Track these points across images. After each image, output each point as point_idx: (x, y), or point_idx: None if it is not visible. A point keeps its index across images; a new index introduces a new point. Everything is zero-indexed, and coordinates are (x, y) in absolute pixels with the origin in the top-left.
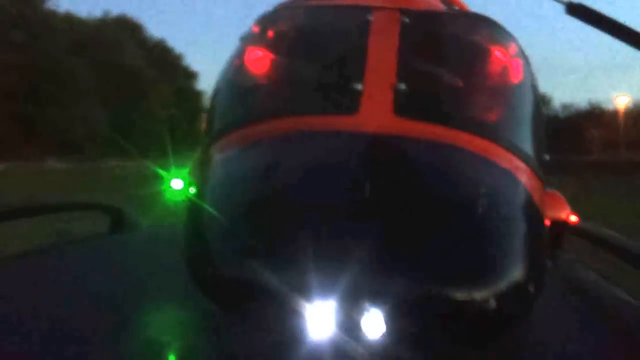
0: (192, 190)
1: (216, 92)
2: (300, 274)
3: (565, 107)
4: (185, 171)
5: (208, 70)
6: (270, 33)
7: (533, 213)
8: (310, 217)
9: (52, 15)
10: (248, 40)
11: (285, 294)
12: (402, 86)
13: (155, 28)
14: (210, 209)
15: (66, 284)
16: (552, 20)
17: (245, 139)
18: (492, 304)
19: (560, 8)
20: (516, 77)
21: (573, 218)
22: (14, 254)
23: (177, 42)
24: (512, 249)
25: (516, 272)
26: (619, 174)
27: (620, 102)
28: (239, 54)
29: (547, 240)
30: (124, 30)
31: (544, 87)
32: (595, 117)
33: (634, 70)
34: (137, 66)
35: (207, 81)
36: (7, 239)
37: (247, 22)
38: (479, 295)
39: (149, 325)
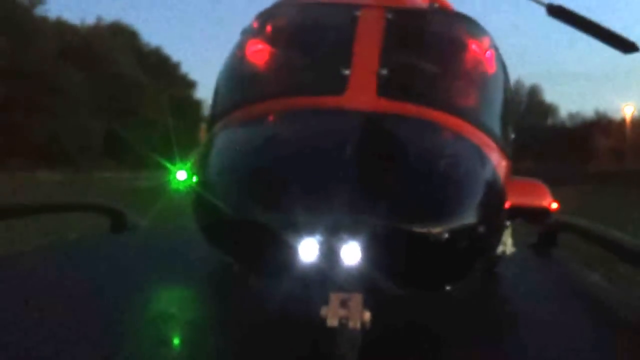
0: (201, 162)
1: (220, 78)
2: (294, 219)
3: (571, 116)
4: (187, 164)
5: (207, 79)
6: (268, 27)
7: (492, 177)
8: (305, 173)
9: (42, 21)
10: (249, 32)
11: (283, 233)
12: (384, 72)
13: (151, 35)
14: (219, 173)
15: (71, 281)
16: (557, 28)
17: (250, 115)
18: (443, 242)
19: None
20: (487, 66)
21: (554, 205)
22: (18, 252)
23: (175, 51)
24: (470, 201)
25: (471, 218)
26: (627, 185)
27: (628, 111)
28: (241, 45)
29: (504, 203)
30: (118, 36)
31: (550, 96)
32: (602, 126)
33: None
34: (131, 74)
35: (207, 91)
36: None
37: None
38: (434, 233)
39: (151, 319)
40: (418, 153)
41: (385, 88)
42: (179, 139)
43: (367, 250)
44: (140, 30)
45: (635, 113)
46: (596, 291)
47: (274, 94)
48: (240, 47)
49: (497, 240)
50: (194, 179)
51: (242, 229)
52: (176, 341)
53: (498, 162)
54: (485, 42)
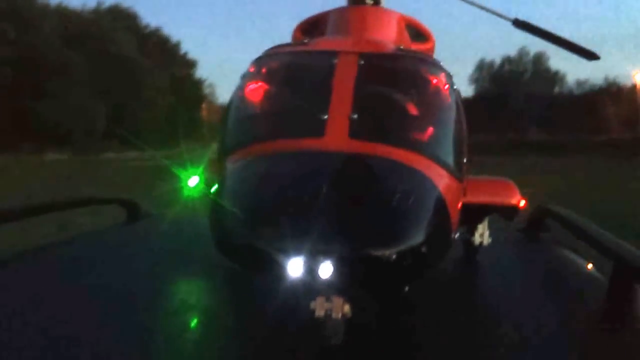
0: (209, 188)
1: (225, 118)
2: (285, 238)
3: (579, 83)
4: (198, 170)
5: (207, 58)
6: (262, 74)
7: (439, 203)
8: (293, 203)
9: (44, 7)
10: (246, 78)
11: (276, 250)
12: (355, 116)
13: (151, 15)
14: (228, 202)
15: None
16: None
17: (250, 154)
18: (409, 255)
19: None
20: (443, 103)
21: (522, 203)
22: (38, 246)
23: (174, 30)
24: (426, 219)
25: (427, 234)
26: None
27: (639, 77)
28: (240, 89)
29: (453, 220)
30: (118, 19)
31: (557, 63)
32: (612, 93)
33: None
34: (133, 56)
35: (207, 69)
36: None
37: (247, 8)
38: (392, 251)
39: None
40: (379, 188)
41: (355, 131)
42: (180, 118)
43: (347, 262)
44: (140, 11)
45: None
46: (558, 264)
47: (270, 136)
48: (240, 91)
49: (446, 250)
50: (211, 207)
51: (248, 246)
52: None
53: (447, 189)
54: (443, 80)
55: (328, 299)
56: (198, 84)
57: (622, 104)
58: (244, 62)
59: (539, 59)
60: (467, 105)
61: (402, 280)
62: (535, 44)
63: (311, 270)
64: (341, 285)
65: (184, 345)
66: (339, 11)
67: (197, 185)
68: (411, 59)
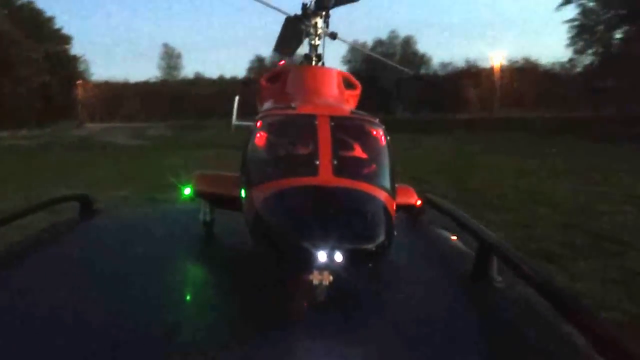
0: (199, 196)
1: (246, 159)
2: (304, 239)
3: (444, 65)
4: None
5: (82, 34)
6: (268, 129)
7: (387, 212)
8: (310, 217)
9: None
10: (256, 131)
11: (300, 248)
12: (335, 161)
13: None
14: (271, 217)
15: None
16: None
17: (276, 186)
18: (372, 246)
19: None
20: (383, 149)
21: (419, 202)
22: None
23: (48, 7)
24: (380, 225)
25: (381, 234)
26: (494, 131)
27: (496, 60)
28: (254, 139)
29: (394, 220)
30: None
31: (424, 46)
32: (472, 74)
33: (508, 28)
34: (4, 29)
35: (82, 45)
36: None
37: None
38: (368, 243)
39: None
40: (355, 207)
41: (336, 171)
42: (55, 95)
43: (342, 250)
44: None
45: (503, 62)
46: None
47: (286, 175)
48: (255, 140)
49: (392, 241)
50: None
51: (280, 240)
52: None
53: (389, 205)
54: (381, 133)
55: (320, 272)
56: (73, 61)
57: (481, 85)
58: (119, 38)
59: (408, 42)
60: None
61: (373, 260)
62: (405, 28)
63: (318, 255)
64: (336, 264)
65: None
66: (298, 69)
67: (189, 193)
68: (361, 119)
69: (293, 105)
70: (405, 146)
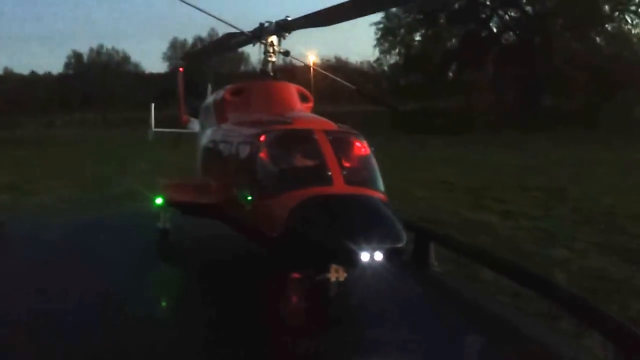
0: (171, 205)
1: (251, 171)
2: (351, 241)
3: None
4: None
5: None
6: (273, 144)
7: (391, 210)
8: (339, 220)
9: None
10: (261, 144)
11: (347, 249)
12: (344, 172)
13: None
14: (301, 224)
15: None
16: None
17: (293, 197)
18: (403, 244)
19: None
20: (371, 158)
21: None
22: None
23: None
24: (400, 225)
25: (398, 230)
26: None
27: (310, 58)
28: (261, 154)
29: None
30: None
31: None
32: (289, 72)
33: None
34: None
35: None
36: None
37: None
38: (400, 242)
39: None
40: (379, 212)
41: (347, 181)
42: None
43: (375, 249)
44: None
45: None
46: None
47: (304, 186)
48: (262, 151)
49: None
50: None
51: (324, 242)
52: None
53: (386, 202)
54: (366, 144)
55: (337, 270)
56: None
57: (298, 82)
58: None
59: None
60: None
61: (393, 254)
62: (224, 26)
63: (363, 254)
64: (376, 262)
65: None
66: (263, 85)
67: (161, 202)
68: (348, 133)
69: (288, 119)
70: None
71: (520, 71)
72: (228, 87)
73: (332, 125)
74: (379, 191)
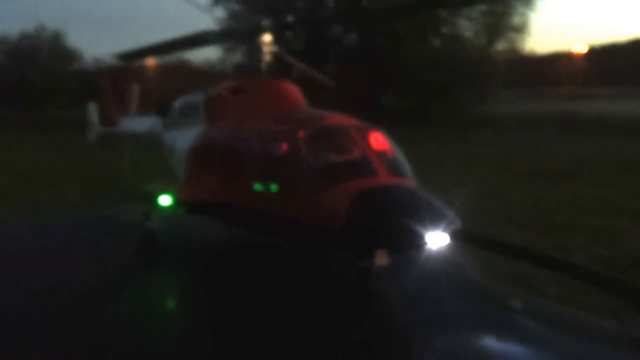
0: (183, 207)
1: (291, 165)
2: (408, 226)
3: (97, 61)
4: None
5: None
6: (316, 137)
7: (427, 193)
8: (389, 209)
9: None
10: (299, 139)
11: (411, 232)
12: (384, 164)
13: None
14: (365, 213)
15: None
16: None
17: (349, 188)
18: (430, 234)
19: None
20: (397, 149)
21: None
22: None
23: None
24: (442, 205)
25: (451, 213)
26: None
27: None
28: (299, 148)
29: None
30: None
31: (74, 42)
32: (133, 70)
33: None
34: None
35: None
36: None
37: None
38: (424, 230)
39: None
40: (426, 200)
41: (387, 171)
42: None
43: (438, 232)
44: None
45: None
46: None
47: (353, 177)
48: (303, 147)
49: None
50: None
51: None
52: None
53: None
54: (385, 136)
55: (381, 254)
56: None
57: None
58: None
59: (57, 37)
60: None
61: (453, 235)
62: (54, 21)
63: (426, 237)
64: (404, 246)
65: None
66: (264, 83)
67: (170, 204)
68: (369, 126)
69: (318, 115)
70: None
71: (362, 72)
72: (223, 85)
73: (354, 121)
74: (413, 180)
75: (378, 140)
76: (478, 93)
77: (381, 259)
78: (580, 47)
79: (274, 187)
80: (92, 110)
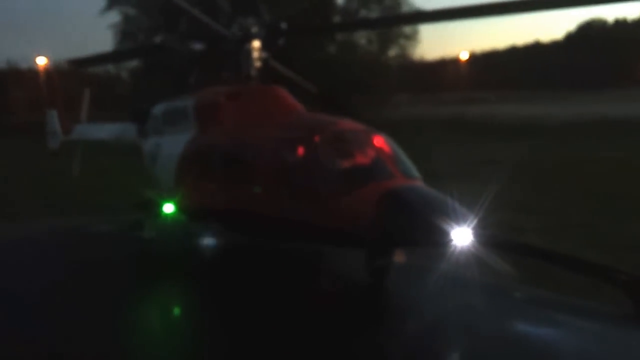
0: (187, 214)
1: (323, 169)
2: (435, 225)
3: (9, 62)
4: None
5: None
6: (332, 143)
7: (445, 196)
8: (407, 210)
9: None
10: (315, 145)
11: (440, 231)
12: (397, 167)
13: None
14: (386, 210)
15: None
16: None
17: (372, 191)
18: (455, 232)
19: None
20: (402, 152)
21: None
22: None
23: None
24: (458, 205)
25: (468, 211)
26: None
27: (40, 61)
28: (316, 152)
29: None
30: None
31: None
32: (14, 76)
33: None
34: None
35: None
36: None
37: None
38: (443, 228)
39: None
40: (434, 196)
41: (401, 174)
42: None
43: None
44: None
45: (49, 63)
46: None
47: (377, 180)
48: (320, 152)
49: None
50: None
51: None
52: None
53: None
54: (388, 139)
55: (399, 253)
56: None
57: (25, 87)
58: None
59: None
60: None
61: (453, 239)
62: None
63: (450, 236)
64: (460, 242)
65: None
66: (262, 89)
67: (173, 211)
68: (377, 131)
69: (329, 121)
70: None
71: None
72: (213, 91)
73: (361, 125)
74: (418, 179)
75: (386, 143)
76: (372, 99)
77: (405, 258)
78: (463, 54)
79: (292, 194)
80: (53, 118)
